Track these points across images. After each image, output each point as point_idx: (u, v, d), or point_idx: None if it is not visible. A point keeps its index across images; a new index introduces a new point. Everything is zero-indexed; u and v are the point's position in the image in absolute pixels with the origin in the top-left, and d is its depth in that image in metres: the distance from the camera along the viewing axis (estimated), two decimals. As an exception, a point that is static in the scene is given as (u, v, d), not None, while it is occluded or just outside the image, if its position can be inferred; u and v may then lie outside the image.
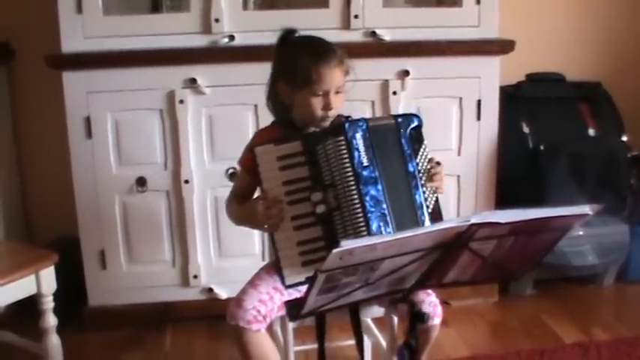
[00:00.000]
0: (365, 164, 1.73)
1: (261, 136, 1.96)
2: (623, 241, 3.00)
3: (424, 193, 1.81)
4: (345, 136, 1.73)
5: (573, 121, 3.06)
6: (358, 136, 1.74)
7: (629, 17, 3.36)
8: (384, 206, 1.74)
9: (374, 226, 1.71)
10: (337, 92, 1.86)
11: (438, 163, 1.86)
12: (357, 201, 1.72)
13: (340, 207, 1.73)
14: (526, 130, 3.00)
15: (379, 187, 1.74)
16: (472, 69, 2.75)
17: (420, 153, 1.83)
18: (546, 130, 2.98)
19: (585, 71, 3.27)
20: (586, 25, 3.32)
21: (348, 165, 1.73)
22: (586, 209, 1.45)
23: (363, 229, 1.71)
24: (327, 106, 1.85)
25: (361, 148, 1.74)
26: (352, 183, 1.72)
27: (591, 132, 3.06)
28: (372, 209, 1.72)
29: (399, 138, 1.81)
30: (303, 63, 1.84)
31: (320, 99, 1.85)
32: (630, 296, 3.08)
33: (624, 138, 3.08)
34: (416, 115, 1.86)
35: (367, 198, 1.72)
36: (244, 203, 1.91)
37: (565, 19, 3.30)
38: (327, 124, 1.88)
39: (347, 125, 1.75)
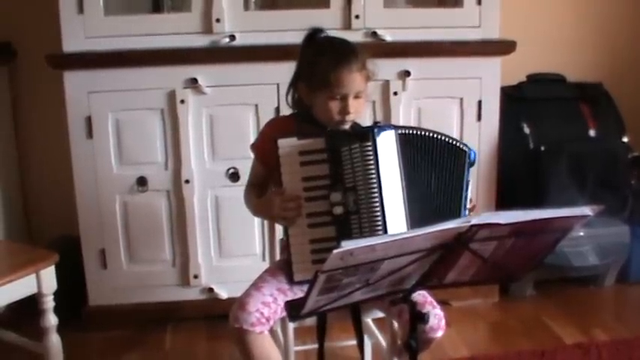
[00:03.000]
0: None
1: (277, 126, 1.96)
2: (624, 242, 3.00)
3: None
4: (373, 142, 1.72)
5: (574, 122, 3.06)
6: (386, 143, 1.73)
7: (629, 18, 3.36)
8: (404, 217, 1.73)
9: None
10: (357, 97, 1.85)
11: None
12: (377, 209, 1.71)
13: (359, 211, 1.73)
14: (527, 130, 2.99)
15: (402, 197, 1.73)
16: (473, 69, 2.75)
17: (469, 186, 1.85)
18: (547, 131, 2.98)
19: (586, 72, 3.27)
20: (587, 25, 3.32)
21: (373, 171, 1.72)
22: (586, 210, 1.45)
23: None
24: (344, 110, 1.83)
25: (388, 155, 1.73)
26: (375, 190, 1.71)
27: (592, 133, 3.05)
28: (392, 219, 1.71)
29: (464, 165, 1.82)
30: (322, 65, 1.83)
31: (338, 102, 1.83)
32: (631, 297, 3.08)
33: (625, 139, 3.08)
34: (474, 151, 1.87)
35: (388, 207, 1.71)
36: (261, 193, 1.91)
37: (566, 20, 3.30)
38: (345, 127, 1.87)
39: (376, 130, 1.73)
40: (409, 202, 1.74)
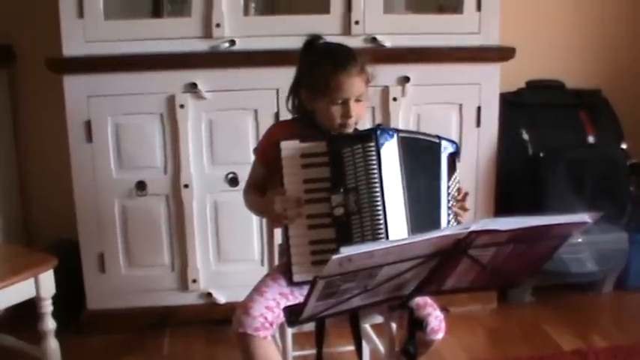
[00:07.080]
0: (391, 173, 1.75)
1: (281, 129, 1.98)
2: (622, 248, 3.00)
3: (449, 215, 1.84)
4: (375, 143, 1.75)
5: (573, 129, 3.06)
6: (388, 144, 1.76)
7: (628, 25, 3.37)
8: (404, 217, 1.75)
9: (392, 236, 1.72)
10: (357, 100, 1.87)
11: (467, 194, 1.90)
12: (379, 208, 1.73)
13: (361, 212, 1.74)
14: (526, 137, 3.00)
15: (403, 197, 1.75)
16: (472, 76, 2.76)
17: (453, 178, 1.87)
18: (546, 137, 2.99)
19: (585, 78, 3.27)
20: (586, 32, 3.33)
21: (375, 171, 1.74)
22: (585, 217, 1.45)
23: (382, 236, 1.72)
24: (346, 114, 1.86)
25: (389, 157, 1.75)
26: (377, 190, 1.73)
27: (591, 139, 3.06)
28: (394, 218, 1.73)
29: (438, 157, 1.85)
30: (322, 71, 1.85)
31: (339, 107, 1.86)
32: (629, 304, 3.08)
33: (623, 145, 3.08)
34: (455, 143, 1.91)
35: (389, 207, 1.73)
36: (261, 193, 1.92)
37: (565, 27, 3.31)
38: (347, 131, 1.88)
39: (378, 132, 1.77)
40: (409, 202, 1.76)
